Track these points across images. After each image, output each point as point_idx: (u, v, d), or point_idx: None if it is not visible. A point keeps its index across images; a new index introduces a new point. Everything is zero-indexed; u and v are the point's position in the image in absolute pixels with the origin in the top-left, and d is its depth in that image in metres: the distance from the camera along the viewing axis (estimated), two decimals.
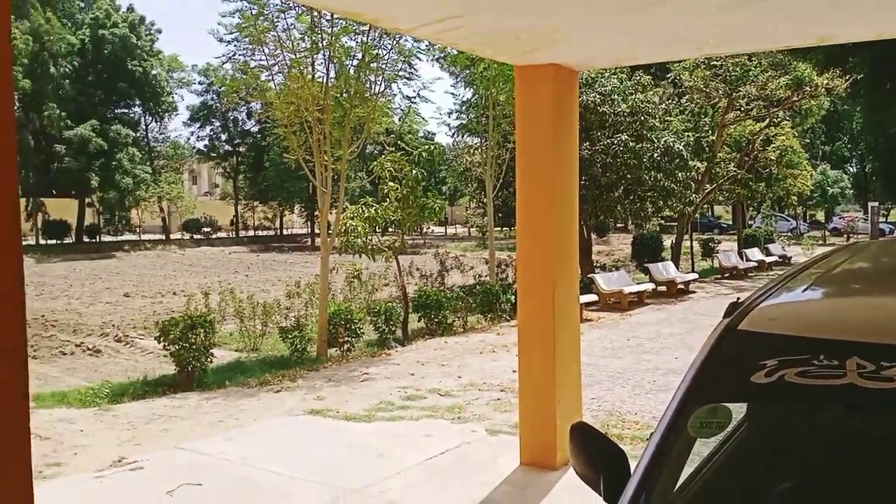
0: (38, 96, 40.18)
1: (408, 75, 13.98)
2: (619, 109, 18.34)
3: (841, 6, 4.33)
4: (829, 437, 2.05)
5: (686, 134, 21.33)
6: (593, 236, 25.91)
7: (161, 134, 52.59)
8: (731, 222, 45.66)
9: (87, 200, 44.31)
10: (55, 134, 41.33)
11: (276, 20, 11.76)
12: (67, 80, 43.25)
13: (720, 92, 21.61)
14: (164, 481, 5.75)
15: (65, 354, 12.88)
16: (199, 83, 52.25)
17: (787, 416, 2.08)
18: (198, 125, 52.41)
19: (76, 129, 41.21)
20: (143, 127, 49.80)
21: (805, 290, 2.44)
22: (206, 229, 48.96)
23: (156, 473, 6.00)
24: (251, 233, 52.29)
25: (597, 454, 2.12)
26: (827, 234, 45.06)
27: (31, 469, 1.98)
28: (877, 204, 38.17)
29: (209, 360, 9.63)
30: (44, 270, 28.13)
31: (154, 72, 47.57)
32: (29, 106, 39.21)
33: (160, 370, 10.19)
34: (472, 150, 21.56)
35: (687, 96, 22.52)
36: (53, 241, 40.86)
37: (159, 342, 9.62)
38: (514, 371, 8.42)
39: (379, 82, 12.72)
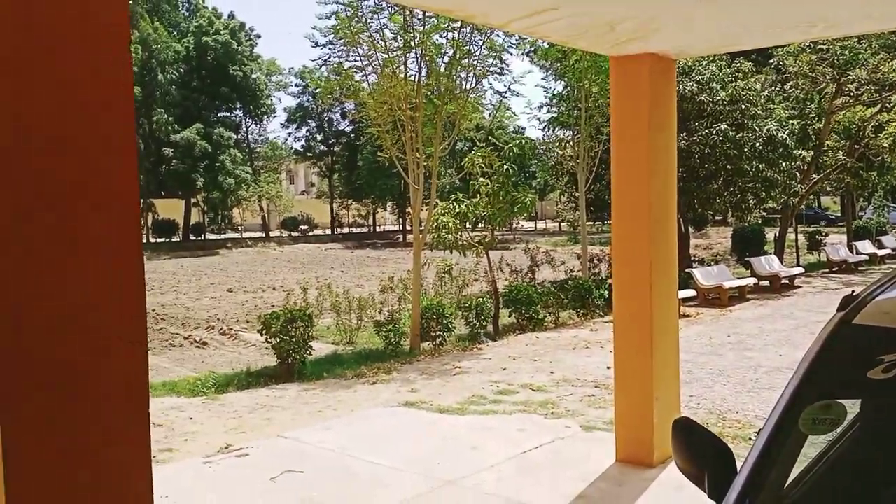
0: (147, 102, 42.54)
1: (498, 70, 13.97)
2: (718, 98, 17.72)
3: None
4: None
5: (790, 122, 20.37)
6: (691, 229, 25.15)
7: (260, 135, 54.67)
8: (839, 214, 43.32)
9: (193, 200, 46.56)
10: (163, 138, 43.66)
11: (369, 21, 12.01)
12: (174, 87, 45.57)
13: (827, 77, 20.48)
14: (268, 468, 5.99)
15: (174, 346, 13.59)
16: (296, 85, 53.94)
17: None
18: (294, 126, 54.07)
19: (182, 133, 43.40)
20: (244, 129, 51.86)
21: None
22: (303, 227, 50.47)
23: (260, 460, 6.25)
24: (346, 230, 53.58)
25: (701, 450, 2.08)
26: None
27: (150, 453, 2.10)
28: None
29: (308, 352, 9.95)
30: (154, 267, 29.72)
31: (254, 76, 49.41)
32: (139, 111, 41.56)
33: (262, 362, 10.59)
34: (563, 144, 21.31)
35: (791, 82, 21.48)
36: (162, 240, 43.14)
37: (261, 335, 10.01)
38: (608, 367, 8.31)
39: (470, 78, 12.79)
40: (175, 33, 48.35)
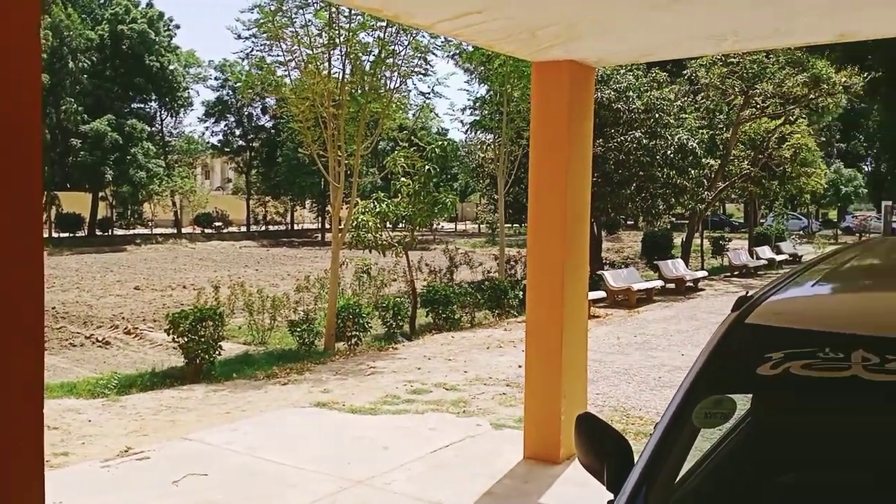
0: (56, 91, 40.52)
1: (423, 71, 13.94)
2: (634, 106, 18.28)
3: (860, 2, 4.26)
4: (832, 429, 2.02)
5: (700, 131, 21.23)
6: (604, 233, 25.86)
7: (175, 129, 52.98)
8: (742, 220, 45.42)
9: (101, 194, 44.60)
10: (71, 128, 41.65)
11: (294, 16, 11.78)
12: (85, 76, 43.53)
13: (736, 89, 21.47)
14: (171, 471, 5.77)
15: (74, 346, 12.95)
16: (215, 79, 52.56)
17: (792, 409, 2.06)
18: (212, 120, 52.67)
19: (92, 124, 41.50)
20: (159, 122, 50.12)
21: (813, 284, 2.43)
22: (217, 223, 49.17)
23: (162, 463, 6.02)
24: (262, 228, 52.51)
25: (601, 444, 2.12)
26: (839, 232, 44.73)
27: (43, 456, 2.00)
28: (890, 202, 37.71)
29: (217, 352, 9.65)
30: (56, 263, 28.32)
31: (171, 67, 47.81)
32: (46, 100, 39.53)
33: (169, 362, 10.22)
34: (485, 147, 21.52)
35: (703, 93, 22.41)
36: (66, 235, 41.13)
37: (168, 334, 9.65)
38: (520, 366, 8.42)
39: (394, 78, 12.72)
40: (88, 20, 46.20)
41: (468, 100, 36.15)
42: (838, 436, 2.03)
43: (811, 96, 21.83)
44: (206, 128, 53.71)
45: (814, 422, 2.05)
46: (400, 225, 14.76)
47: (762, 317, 2.02)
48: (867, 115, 50.92)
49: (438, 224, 43.49)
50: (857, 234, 39.96)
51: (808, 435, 2.09)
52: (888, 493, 1.87)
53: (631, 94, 18.39)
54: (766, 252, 25.64)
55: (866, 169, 58.65)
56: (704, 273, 20.93)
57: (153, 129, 48.18)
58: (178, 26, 50.20)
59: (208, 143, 54.63)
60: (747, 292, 2.27)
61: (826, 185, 34.13)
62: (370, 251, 12.73)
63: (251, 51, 15.15)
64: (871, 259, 2.95)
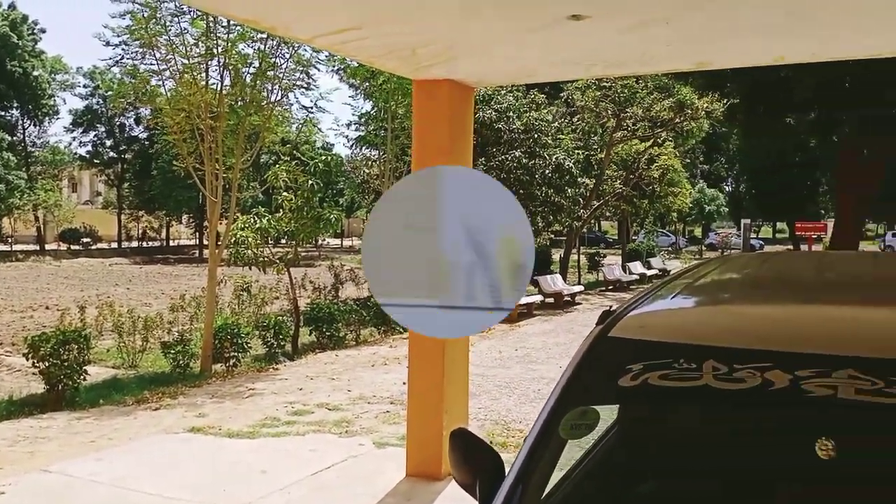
0: None
1: (305, 85, 13.73)
2: (514, 126, 18.81)
3: (715, 35, 4.59)
4: (686, 437, 2.13)
5: (576, 152, 22.11)
6: None
7: (39, 139, 49.59)
8: (616, 237, 47.57)
9: None
10: None
11: (168, 24, 11.32)
12: None
13: (609, 112, 22.54)
14: None
15: None
16: (84, 86, 49.76)
17: (650, 418, 2.15)
18: (80, 130, 49.85)
19: None
20: (21, 131, 46.78)
21: (673, 298, 2.55)
22: (85, 240, 46.36)
23: (18, 499, 5.58)
24: (134, 244, 49.95)
25: (473, 459, 2.12)
26: (703, 248, 47.73)
27: None
28: (749, 221, 40.83)
29: (82, 377, 9.04)
30: None
31: (35, 73, 44.85)
32: None
33: (28, 389, 9.49)
34: (370, 163, 21.47)
35: (578, 115, 23.35)
36: None
37: (28, 359, 8.96)
38: (404, 383, 8.40)
39: (276, 91, 12.46)
40: None
41: (353, 115, 35.98)
42: (691, 444, 2.13)
43: (677, 120, 23.26)
44: (74, 138, 50.82)
45: (670, 430, 2.15)
46: (282, 241, 14.43)
47: (624, 330, 2.09)
48: (727, 139, 54.68)
49: (323, 240, 42.93)
50: (720, 251, 42.75)
51: (665, 444, 2.18)
52: (733, 500, 1.98)
53: (511, 114, 18.94)
54: (637, 267, 26.94)
55: (727, 189, 63.12)
56: (581, 288, 21.72)
57: (14, 138, 44.99)
58: (43, 30, 47.14)
59: (76, 154, 51.57)
60: (611, 307, 2.36)
61: (691, 204, 36.41)
62: (250, 268, 12.38)
63: (121, 58, 14.35)
64: (728, 273, 3.13)
